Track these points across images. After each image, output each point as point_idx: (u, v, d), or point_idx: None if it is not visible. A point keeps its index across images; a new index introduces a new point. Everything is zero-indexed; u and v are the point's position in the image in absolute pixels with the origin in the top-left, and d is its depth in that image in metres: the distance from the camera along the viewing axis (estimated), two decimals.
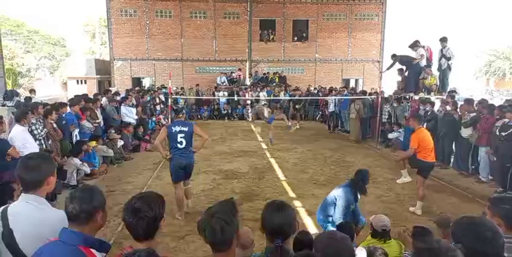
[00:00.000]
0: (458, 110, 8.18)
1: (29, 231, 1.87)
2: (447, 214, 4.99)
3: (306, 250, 1.83)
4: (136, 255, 1.51)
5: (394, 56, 10.54)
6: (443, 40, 9.47)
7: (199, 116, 17.37)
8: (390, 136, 10.41)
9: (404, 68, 10.62)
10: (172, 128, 5.13)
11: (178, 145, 5.08)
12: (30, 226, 1.88)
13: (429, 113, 8.76)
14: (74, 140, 7.53)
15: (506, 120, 6.55)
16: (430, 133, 5.81)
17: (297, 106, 15.23)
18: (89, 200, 1.77)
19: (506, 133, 6.47)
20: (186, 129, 5.09)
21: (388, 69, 11.32)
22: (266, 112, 11.15)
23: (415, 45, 9.82)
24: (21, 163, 2.03)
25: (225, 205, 1.72)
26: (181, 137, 5.06)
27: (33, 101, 9.47)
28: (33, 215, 1.92)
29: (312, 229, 4.79)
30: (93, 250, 1.73)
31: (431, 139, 5.64)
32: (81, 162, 6.81)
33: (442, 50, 9.56)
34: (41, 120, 6.43)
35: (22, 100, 11.97)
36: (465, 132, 7.74)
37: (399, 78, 11.43)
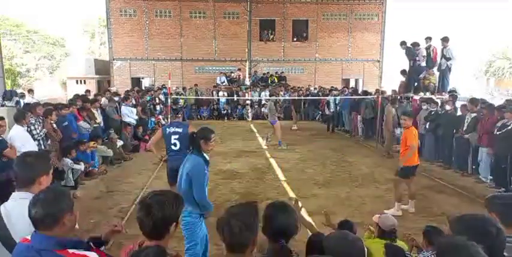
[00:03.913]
0: (459, 109, 8.16)
1: (23, 226, 1.88)
2: (447, 214, 4.97)
3: (323, 256, 1.79)
4: (144, 253, 1.47)
5: (403, 44, 10.43)
6: (445, 40, 9.44)
7: (198, 116, 17.37)
8: None
9: (408, 67, 10.59)
10: (167, 129, 4.99)
11: (173, 147, 4.91)
12: (23, 222, 1.88)
13: (433, 112, 8.72)
14: None
15: (506, 120, 6.56)
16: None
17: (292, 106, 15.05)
18: (54, 203, 1.62)
19: (500, 132, 6.50)
20: (180, 130, 4.90)
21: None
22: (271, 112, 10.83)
23: (429, 38, 9.96)
24: (18, 159, 2.08)
25: (248, 207, 1.70)
26: (175, 139, 4.88)
27: (32, 101, 9.44)
28: (26, 211, 1.90)
29: None
30: (71, 250, 1.64)
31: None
32: (71, 161, 6.60)
33: (442, 50, 9.56)
34: (40, 121, 6.39)
35: (22, 100, 11.97)
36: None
37: (399, 78, 11.40)
